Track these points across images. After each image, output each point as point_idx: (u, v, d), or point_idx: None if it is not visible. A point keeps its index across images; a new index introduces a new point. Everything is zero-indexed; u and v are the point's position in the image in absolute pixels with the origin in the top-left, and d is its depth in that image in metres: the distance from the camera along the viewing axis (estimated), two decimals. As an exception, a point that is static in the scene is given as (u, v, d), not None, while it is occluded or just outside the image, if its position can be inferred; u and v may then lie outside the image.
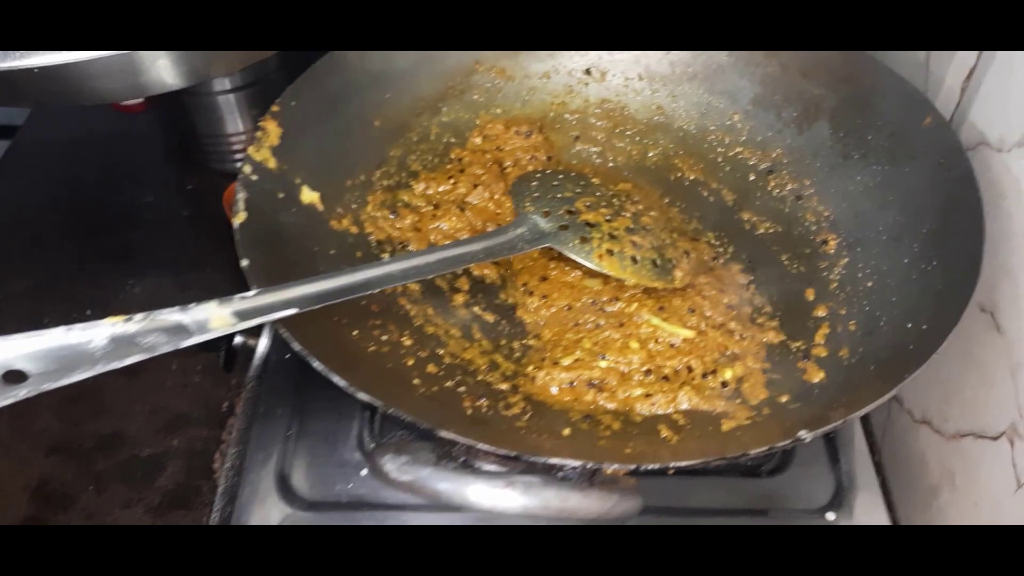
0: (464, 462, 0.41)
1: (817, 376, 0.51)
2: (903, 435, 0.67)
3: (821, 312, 0.57)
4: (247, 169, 0.55)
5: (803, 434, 0.42)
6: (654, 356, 0.54)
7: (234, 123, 0.83)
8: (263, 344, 0.62)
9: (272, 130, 0.57)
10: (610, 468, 0.41)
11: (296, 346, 0.46)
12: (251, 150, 0.56)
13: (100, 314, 0.43)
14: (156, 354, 0.43)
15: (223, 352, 0.61)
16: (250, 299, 0.46)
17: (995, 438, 0.56)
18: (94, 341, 0.41)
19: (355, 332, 0.52)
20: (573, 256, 0.55)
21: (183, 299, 0.45)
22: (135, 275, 0.77)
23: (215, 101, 0.81)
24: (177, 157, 0.89)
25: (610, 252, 0.56)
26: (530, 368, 0.54)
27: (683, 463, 0.41)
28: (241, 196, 0.53)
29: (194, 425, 0.68)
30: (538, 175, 0.61)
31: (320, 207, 0.58)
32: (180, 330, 0.43)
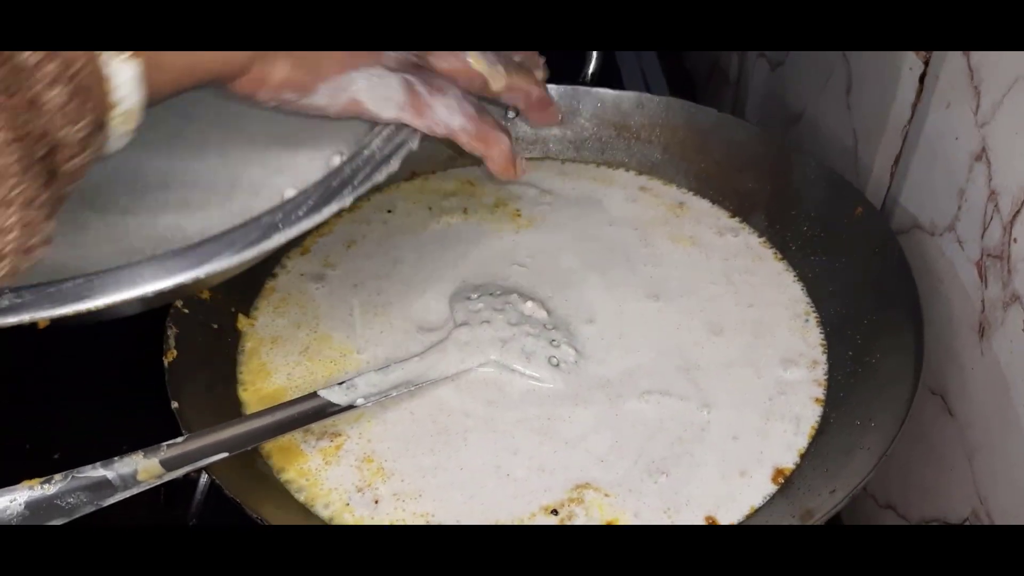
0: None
1: (771, 481, 0.50)
2: (869, 520, 0.66)
3: (772, 410, 0.56)
4: (179, 303, 0.53)
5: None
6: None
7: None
8: (204, 477, 0.60)
9: (205, 259, 0.56)
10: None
11: (229, 493, 0.44)
12: (183, 282, 0.55)
13: (37, 443, 0.41)
14: (79, 515, 0.41)
15: (163, 487, 0.58)
16: (178, 446, 0.44)
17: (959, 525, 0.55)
18: (9, 509, 0.39)
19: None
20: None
21: (122, 422, 0.43)
22: (71, 398, 0.75)
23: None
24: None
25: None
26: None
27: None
28: (171, 332, 0.51)
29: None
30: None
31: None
32: (104, 487, 0.42)
